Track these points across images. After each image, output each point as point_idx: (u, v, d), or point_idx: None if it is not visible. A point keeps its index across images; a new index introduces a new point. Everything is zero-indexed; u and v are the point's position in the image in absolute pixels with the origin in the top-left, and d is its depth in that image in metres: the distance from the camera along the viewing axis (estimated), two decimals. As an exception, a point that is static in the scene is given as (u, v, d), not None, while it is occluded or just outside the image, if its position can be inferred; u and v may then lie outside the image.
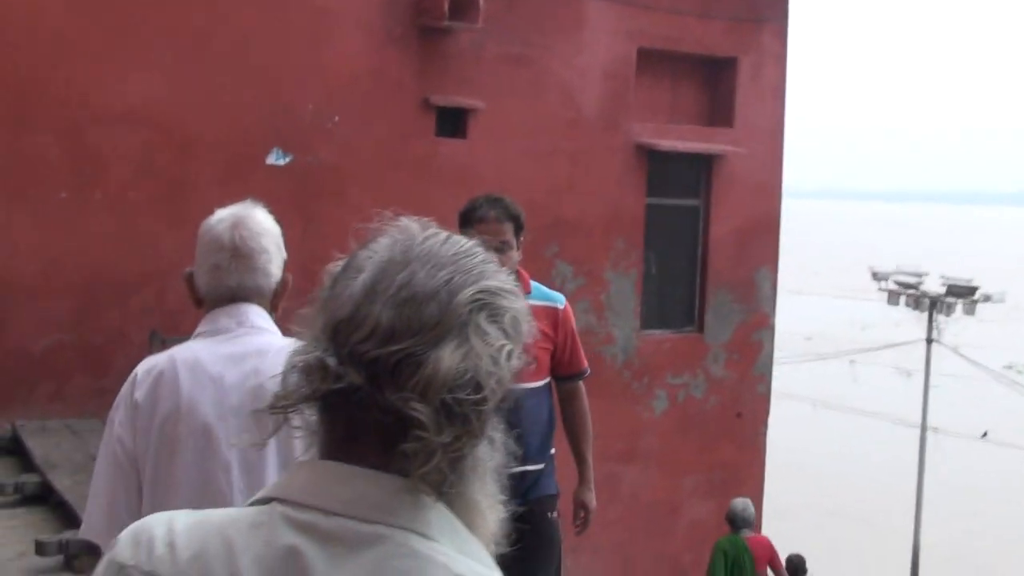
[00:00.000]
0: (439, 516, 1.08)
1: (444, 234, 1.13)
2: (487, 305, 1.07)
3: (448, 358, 1.04)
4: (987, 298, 21.22)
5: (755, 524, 8.71)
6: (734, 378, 10.48)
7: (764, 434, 10.66)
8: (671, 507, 10.20)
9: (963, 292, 21.24)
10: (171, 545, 1.10)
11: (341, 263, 1.13)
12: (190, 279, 2.40)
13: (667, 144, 10.15)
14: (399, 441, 1.04)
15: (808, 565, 9.70)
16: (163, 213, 8.11)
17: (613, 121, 9.99)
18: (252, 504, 1.12)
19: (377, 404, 1.04)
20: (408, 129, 9.06)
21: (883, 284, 22.98)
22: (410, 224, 1.14)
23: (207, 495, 2.22)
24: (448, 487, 1.08)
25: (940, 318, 21.76)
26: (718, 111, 10.77)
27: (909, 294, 22.34)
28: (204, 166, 8.31)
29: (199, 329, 2.37)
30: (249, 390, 2.23)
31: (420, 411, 1.02)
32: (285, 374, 1.10)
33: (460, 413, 1.04)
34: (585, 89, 9.81)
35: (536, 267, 10.14)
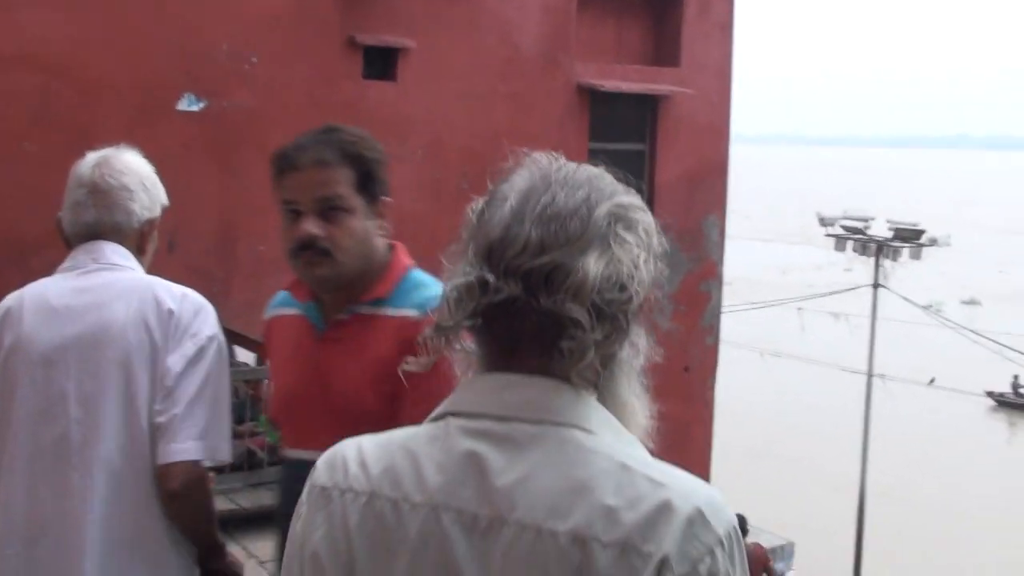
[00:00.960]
0: (597, 412, 1.23)
1: (575, 163, 1.28)
2: (622, 218, 1.22)
3: (594, 265, 1.18)
4: (933, 241, 21.07)
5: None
6: (682, 331, 10.06)
7: (712, 388, 10.28)
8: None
9: (910, 236, 21.06)
10: (362, 463, 1.27)
11: (482, 199, 1.27)
12: (59, 222, 2.40)
13: (611, 85, 9.62)
14: (556, 344, 1.18)
15: (756, 513, 9.39)
16: (64, 166, 7.41)
17: (553, 60, 9.42)
18: (428, 422, 1.27)
19: (534, 311, 1.18)
20: (333, 70, 8.42)
21: (830, 229, 22.75)
22: (542, 157, 1.29)
23: (43, 425, 2.24)
24: (601, 385, 1.25)
25: (887, 263, 21.61)
26: (664, 50, 10.25)
27: (856, 239, 22.14)
28: (109, 113, 7.63)
29: (60, 266, 2.37)
30: (91, 322, 2.24)
31: (575, 310, 1.17)
32: (443, 300, 1.22)
33: (609, 313, 1.19)
34: (523, 26, 9.22)
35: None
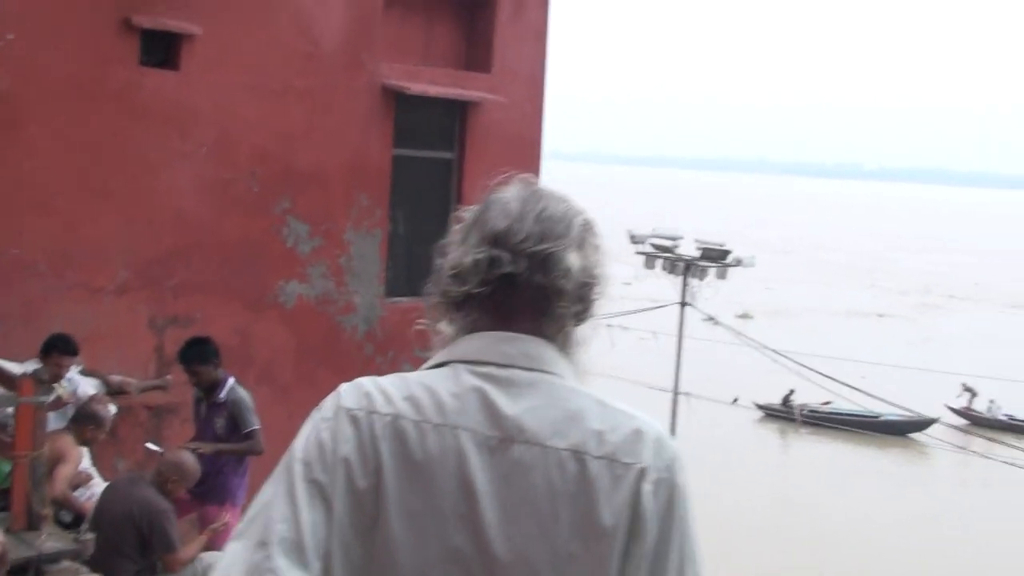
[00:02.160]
0: (569, 367, 1.60)
1: (548, 186, 1.66)
2: (590, 229, 1.63)
3: (576, 257, 1.57)
4: (738, 262, 21.48)
5: None
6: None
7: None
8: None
9: (716, 256, 21.40)
10: (385, 393, 1.55)
11: (476, 206, 1.62)
12: None
13: (418, 87, 9.02)
14: (545, 312, 1.57)
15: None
16: None
17: (356, 58, 8.75)
18: (430, 367, 1.59)
19: (531, 285, 1.55)
20: (105, 54, 7.49)
21: (640, 247, 22.90)
22: (523, 177, 1.65)
23: None
24: (569, 349, 1.61)
25: (694, 282, 21.90)
26: (475, 54, 9.74)
27: (665, 257, 22.34)
28: None
29: None
30: None
31: (565, 287, 1.56)
32: (452, 275, 1.58)
33: (583, 295, 1.60)
34: (324, 19, 8.51)
35: (265, 225, 8.86)
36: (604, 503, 1.49)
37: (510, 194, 1.61)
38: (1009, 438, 25.02)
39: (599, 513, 1.49)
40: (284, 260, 8.53)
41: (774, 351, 23.42)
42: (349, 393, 1.56)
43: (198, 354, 6.59)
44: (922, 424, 32.41)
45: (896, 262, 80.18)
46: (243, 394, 6.60)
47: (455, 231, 1.63)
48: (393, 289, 9.17)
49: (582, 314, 1.62)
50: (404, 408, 1.53)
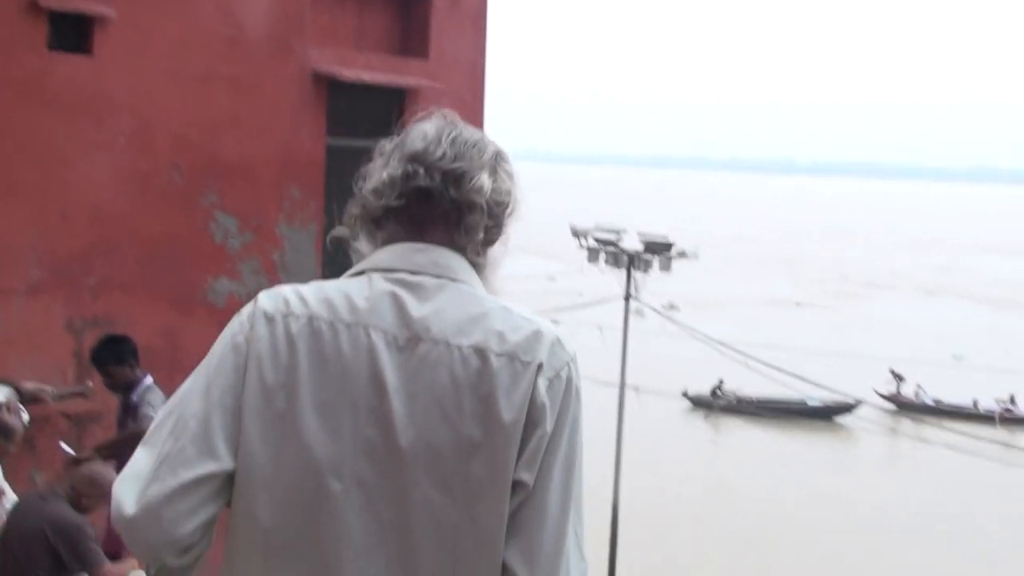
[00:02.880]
0: (477, 276, 1.73)
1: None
2: (503, 159, 1.78)
3: (488, 179, 1.72)
4: (682, 254, 21.30)
5: None
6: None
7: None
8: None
9: (659, 249, 21.20)
10: (301, 297, 1.67)
11: (398, 135, 1.79)
12: None
13: (352, 74, 8.60)
14: (457, 225, 1.71)
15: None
16: None
17: (284, 43, 8.30)
18: (348, 276, 1.72)
19: (445, 199, 1.70)
20: (9, 38, 6.97)
21: (583, 242, 22.64)
22: (442, 111, 1.80)
23: None
24: (480, 264, 1.75)
25: (638, 275, 21.69)
26: (411, 40, 9.33)
27: (608, 251, 22.10)
28: None
29: None
30: None
31: (476, 201, 1.70)
32: (373, 189, 1.74)
33: (495, 213, 1.74)
34: (248, 1, 8.05)
35: (190, 219, 8.36)
36: (503, 396, 1.60)
37: (428, 123, 1.77)
38: (940, 421, 25.31)
39: (499, 405, 1.60)
40: (213, 256, 8.06)
41: (719, 342, 23.32)
42: (266, 298, 1.70)
43: (112, 353, 6.11)
44: (846, 408, 33.07)
45: (817, 253, 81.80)
46: (157, 393, 6.10)
47: (376, 158, 1.78)
48: (329, 285, 8.74)
49: (493, 231, 1.76)
50: (319, 310, 1.65)
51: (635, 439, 30.07)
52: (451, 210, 1.71)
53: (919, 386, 35.82)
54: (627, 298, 21.68)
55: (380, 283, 1.68)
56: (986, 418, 34.03)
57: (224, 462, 1.62)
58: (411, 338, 1.63)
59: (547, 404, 1.62)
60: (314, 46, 8.49)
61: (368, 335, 1.63)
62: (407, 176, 1.71)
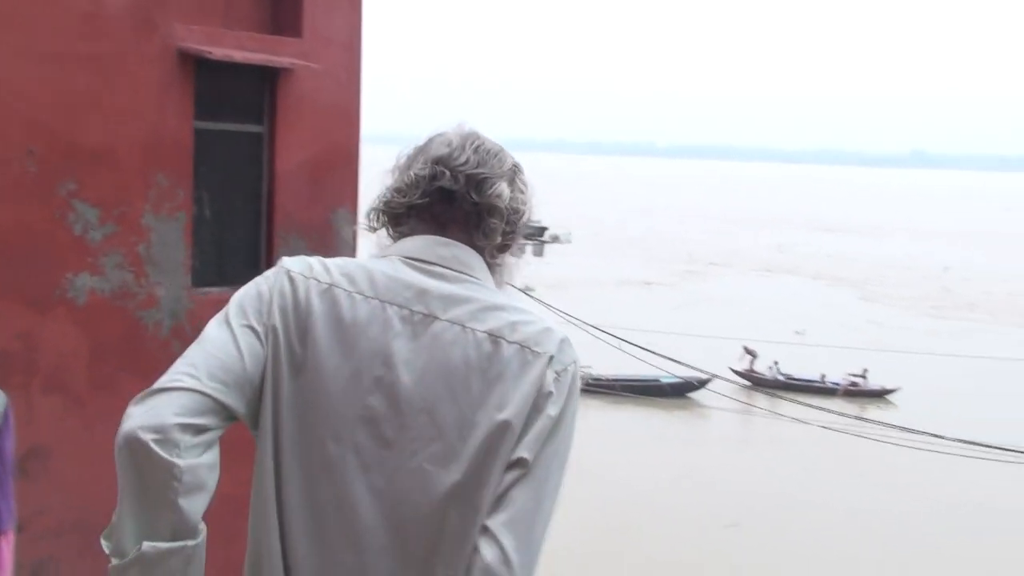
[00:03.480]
0: (491, 279, 1.83)
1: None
2: (521, 171, 1.88)
3: (507, 188, 1.82)
4: (556, 239, 21.25)
5: None
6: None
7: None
8: (243, 503, 8.26)
9: (533, 233, 21.09)
10: (325, 267, 1.76)
11: (418, 144, 1.86)
12: None
13: (221, 53, 8.05)
14: (478, 227, 1.80)
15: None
16: None
17: (147, 19, 7.70)
18: (375, 257, 1.82)
19: (467, 201, 1.79)
20: None
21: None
22: (461, 122, 1.87)
23: None
24: (495, 267, 1.85)
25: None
26: (282, 17, 8.82)
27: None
28: None
29: None
30: None
31: (497, 206, 1.80)
32: (404, 181, 1.83)
33: (512, 220, 1.84)
34: (107, -27, 7.44)
35: (47, 210, 7.69)
36: (512, 381, 1.68)
37: (450, 131, 1.86)
38: (793, 396, 26.12)
39: (507, 389, 1.68)
40: (72, 250, 7.43)
41: (578, 320, 23.21)
42: (292, 261, 1.79)
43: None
44: (699, 384, 33.99)
45: (665, 234, 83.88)
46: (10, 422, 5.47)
47: (397, 161, 1.86)
48: (201, 278, 8.19)
49: (508, 236, 1.86)
50: (340, 280, 1.74)
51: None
52: (472, 212, 1.81)
53: (775, 362, 36.98)
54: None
55: (403, 266, 1.77)
56: (832, 392, 35.50)
57: (237, 403, 1.67)
58: (427, 315, 1.72)
59: (554, 392, 1.70)
60: (180, 22, 7.91)
61: (384, 309, 1.71)
62: (433, 177, 1.80)
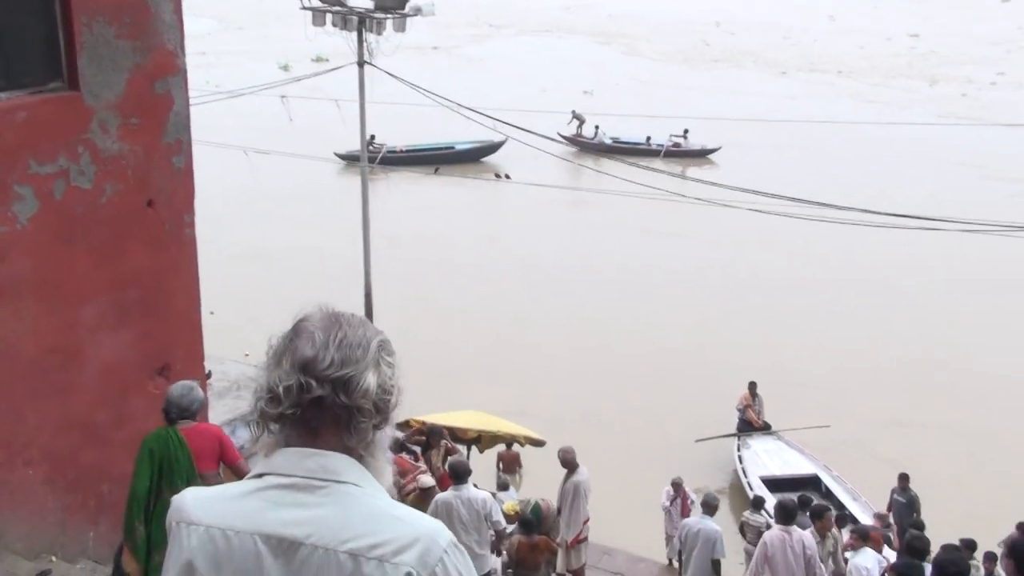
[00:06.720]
0: (365, 473, 1.94)
1: (347, 311, 2.01)
2: (384, 348, 1.98)
3: (373, 378, 1.92)
4: (417, 11, 19.41)
5: (201, 408, 6.13)
6: (138, 152, 7.20)
7: (191, 224, 7.67)
8: (67, 355, 6.98)
9: (392, 5, 19.24)
10: (200, 505, 1.97)
11: (286, 332, 1.97)
12: None
13: None
14: (348, 427, 1.92)
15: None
16: None
17: None
18: (250, 478, 1.95)
19: (336, 405, 1.90)
20: None
21: (307, 2, 20.21)
22: (320, 305, 2.01)
23: None
24: (366, 454, 1.96)
25: (371, 37, 19.75)
26: None
27: (335, 12, 19.87)
28: None
29: None
30: None
31: (365, 406, 1.92)
32: (265, 396, 1.94)
33: (380, 407, 1.95)
34: None
35: None
36: None
37: (314, 322, 1.98)
38: (619, 159, 25.75)
39: None
40: None
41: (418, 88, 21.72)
42: (173, 508, 2.00)
43: None
44: (494, 148, 33.95)
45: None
46: None
47: (268, 355, 1.98)
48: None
49: (381, 423, 2.00)
50: (212, 519, 1.94)
51: (293, 200, 29.92)
52: (343, 414, 1.93)
53: (597, 127, 36.83)
54: (361, 64, 19.79)
55: (271, 490, 1.93)
56: (657, 153, 35.54)
57: None
58: (292, 542, 1.88)
59: None
60: None
61: (255, 542, 1.89)
62: (300, 388, 1.90)
